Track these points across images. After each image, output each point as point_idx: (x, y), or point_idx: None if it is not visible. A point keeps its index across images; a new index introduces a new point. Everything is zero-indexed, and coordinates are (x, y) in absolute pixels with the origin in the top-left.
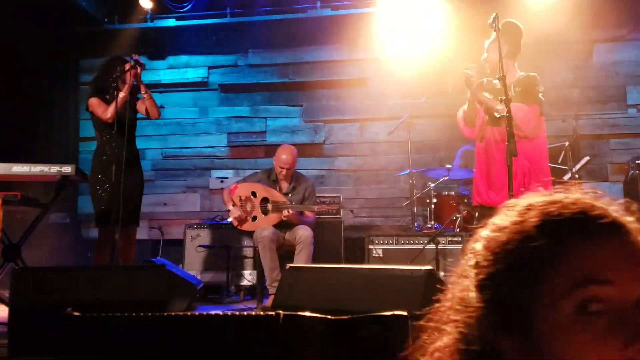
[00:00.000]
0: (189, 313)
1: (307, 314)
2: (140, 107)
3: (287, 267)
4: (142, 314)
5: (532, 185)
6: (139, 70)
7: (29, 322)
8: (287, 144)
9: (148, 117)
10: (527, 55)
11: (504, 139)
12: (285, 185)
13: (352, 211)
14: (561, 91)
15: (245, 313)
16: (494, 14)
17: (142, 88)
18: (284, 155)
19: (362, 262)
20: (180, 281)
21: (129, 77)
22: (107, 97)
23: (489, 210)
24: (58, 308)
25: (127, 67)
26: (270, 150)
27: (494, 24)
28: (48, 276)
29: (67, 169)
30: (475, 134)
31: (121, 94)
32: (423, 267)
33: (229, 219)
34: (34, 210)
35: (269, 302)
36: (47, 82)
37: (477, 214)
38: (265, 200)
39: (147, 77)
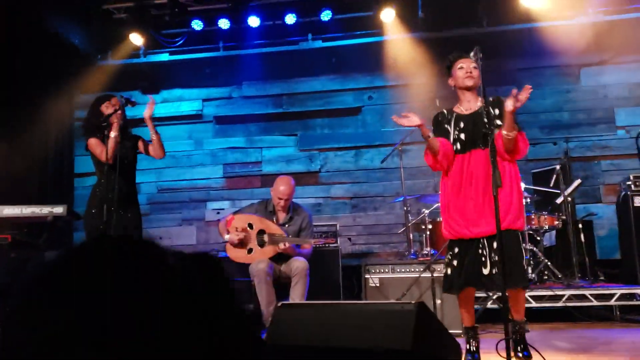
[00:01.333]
0: None
1: None
2: (142, 146)
3: (279, 305)
4: None
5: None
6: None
7: None
8: (283, 174)
9: (153, 157)
10: (517, 81)
11: (483, 167)
12: (282, 216)
13: (349, 239)
14: (551, 115)
15: None
16: (476, 47)
17: (151, 129)
18: (282, 187)
19: (359, 291)
20: None
21: (116, 117)
22: (105, 135)
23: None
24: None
25: (113, 107)
26: (267, 180)
27: (476, 57)
28: None
29: (59, 210)
30: (440, 165)
31: (112, 134)
32: (413, 302)
33: (226, 252)
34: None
35: (265, 337)
36: (41, 118)
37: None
38: (261, 232)
39: (141, 111)
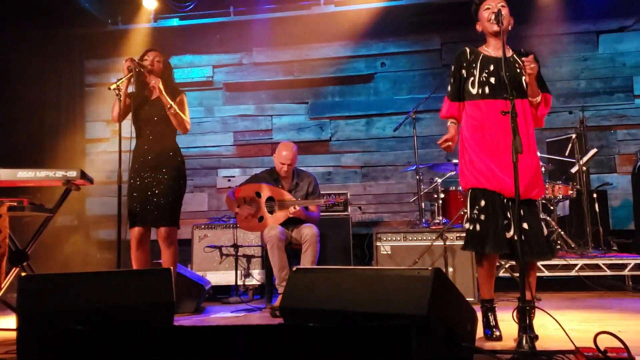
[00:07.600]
0: (192, 325)
1: (310, 324)
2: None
3: (294, 269)
4: (147, 328)
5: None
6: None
7: (37, 328)
8: (289, 141)
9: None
10: (535, 47)
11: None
12: (287, 183)
13: (360, 207)
14: (568, 83)
15: (248, 325)
16: (498, 10)
17: (164, 101)
18: (284, 152)
19: (370, 259)
20: (187, 282)
21: (125, 83)
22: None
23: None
24: (65, 314)
25: (126, 71)
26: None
27: (498, 17)
28: (54, 282)
29: (72, 174)
30: (461, 110)
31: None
32: (430, 267)
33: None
34: (41, 214)
35: (277, 301)
36: (52, 84)
37: (480, 200)
38: (270, 199)
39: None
